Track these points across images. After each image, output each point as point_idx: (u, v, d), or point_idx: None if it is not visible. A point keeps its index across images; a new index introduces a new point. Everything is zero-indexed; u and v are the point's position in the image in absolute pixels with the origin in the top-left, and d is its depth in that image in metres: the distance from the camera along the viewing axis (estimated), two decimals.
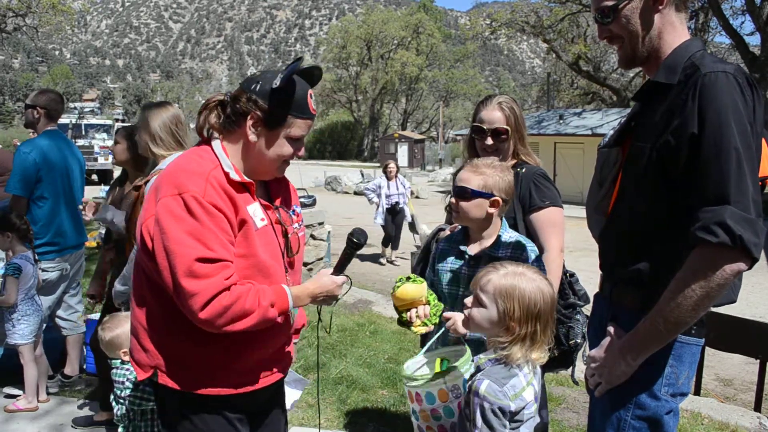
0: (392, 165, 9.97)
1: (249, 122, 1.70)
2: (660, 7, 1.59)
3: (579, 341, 2.40)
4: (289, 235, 1.86)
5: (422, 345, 2.23)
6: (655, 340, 1.51)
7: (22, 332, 3.61)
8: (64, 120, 24.79)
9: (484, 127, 2.51)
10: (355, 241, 1.88)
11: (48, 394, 3.85)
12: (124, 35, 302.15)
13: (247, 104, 1.70)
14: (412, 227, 10.26)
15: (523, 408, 1.58)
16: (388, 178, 9.73)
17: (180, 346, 1.72)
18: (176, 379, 1.72)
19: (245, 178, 1.72)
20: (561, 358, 2.40)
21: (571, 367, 2.41)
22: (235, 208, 1.67)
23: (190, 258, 1.56)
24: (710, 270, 1.38)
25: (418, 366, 2.06)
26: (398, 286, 2.09)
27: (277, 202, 1.87)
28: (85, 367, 4.25)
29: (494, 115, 2.50)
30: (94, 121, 25.43)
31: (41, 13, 17.87)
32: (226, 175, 1.68)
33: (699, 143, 1.43)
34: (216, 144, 1.74)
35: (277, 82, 1.67)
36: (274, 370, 1.86)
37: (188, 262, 1.56)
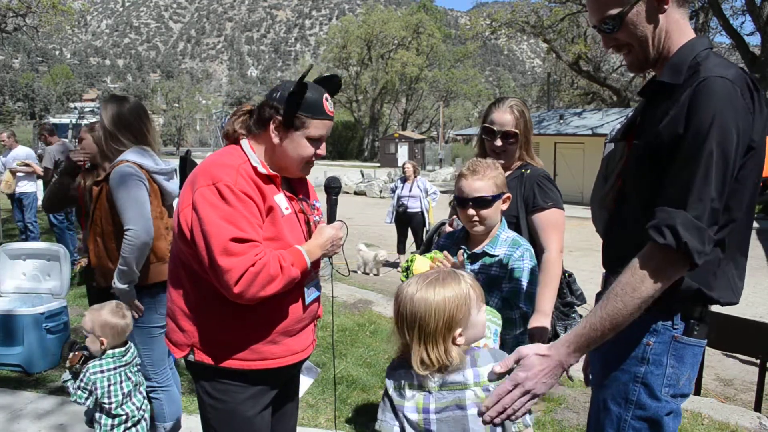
0: (408, 165, 9.65)
1: (271, 126, 1.92)
2: (665, 7, 1.56)
3: None
4: (311, 224, 2.07)
5: None
6: (593, 341, 1.46)
7: None
8: (64, 120, 24.76)
9: (495, 129, 2.56)
10: (333, 186, 2.22)
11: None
12: (124, 35, 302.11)
13: (269, 111, 1.92)
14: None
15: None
16: (404, 179, 9.63)
17: (214, 325, 1.90)
18: (211, 356, 1.90)
19: (271, 171, 1.93)
20: None
21: None
22: (263, 196, 1.87)
23: (225, 238, 1.75)
24: (653, 270, 1.42)
25: None
26: (410, 266, 2.11)
27: (299, 196, 2.10)
28: None
29: (505, 118, 2.55)
30: (94, 120, 25.32)
31: (41, 13, 17.80)
32: (254, 168, 1.89)
33: (680, 145, 1.44)
34: (244, 143, 1.95)
35: (292, 88, 1.87)
36: (299, 349, 2.03)
37: (223, 242, 1.75)
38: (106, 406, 2.47)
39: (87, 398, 2.45)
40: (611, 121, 19.67)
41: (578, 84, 32.77)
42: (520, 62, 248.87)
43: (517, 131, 2.54)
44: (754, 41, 20.21)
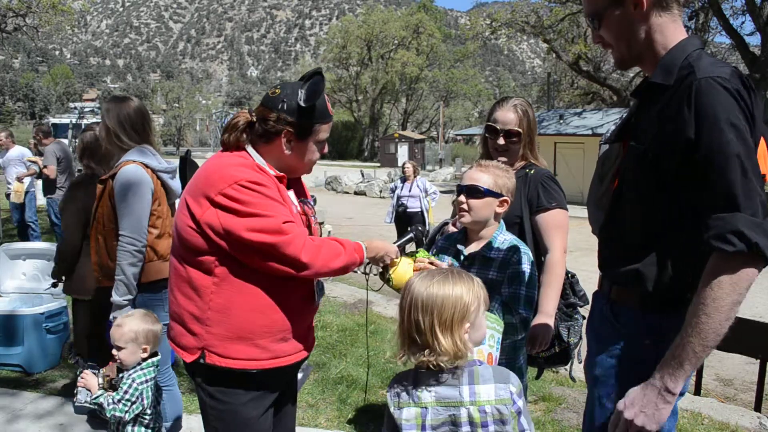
0: (408, 165, 9.66)
1: (283, 140, 1.90)
2: (642, 13, 1.58)
3: (577, 340, 2.48)
4: (312, 226, 2.08)
5: None
6: (685, 359, 1.44)
7: None
8: (64, 120, 24.74)
9: (498, 127, 2.56)
10: (413, 233, 2.29)
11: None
12: (124, 35, 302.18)
13: (278, 123, 1.88)
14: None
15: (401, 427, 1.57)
16: (404, 179, 9.64)
17: (227, 327, 1.88)
18: (225, 357, 1.89)
19: (278, 172, 1.93)
20: (561, 355, 2.50)
21: (569, 364, 2.48)
22: (280, 191, 1.89)
23: (277, 223, 1.78)
24: (730, 276, 1.40)
25: None
26: (391, 278, 2.07)
27: (300, 197, 2.10)
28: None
29: (508, 117, 2.55)
30: (94, 120, 25.37)
31: (41, 13, 17.81)
32: (262, 170, 1.89)
33: (697, 150, 1.43)
34: (248, 148, 1.94)
35: (302, 98, 1.85)
36: (302, 347, 2.03)
37: (276, 225, 1.78)
38: (147, 418, 2.38)
39: (127, 411, 2.32)
40: (611, 121, 19.65)
41: (578, 84, 32.73)
42: (520, 62, 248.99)
43: (520, 130, 2.53)
44: (754, 41, 20.24)
